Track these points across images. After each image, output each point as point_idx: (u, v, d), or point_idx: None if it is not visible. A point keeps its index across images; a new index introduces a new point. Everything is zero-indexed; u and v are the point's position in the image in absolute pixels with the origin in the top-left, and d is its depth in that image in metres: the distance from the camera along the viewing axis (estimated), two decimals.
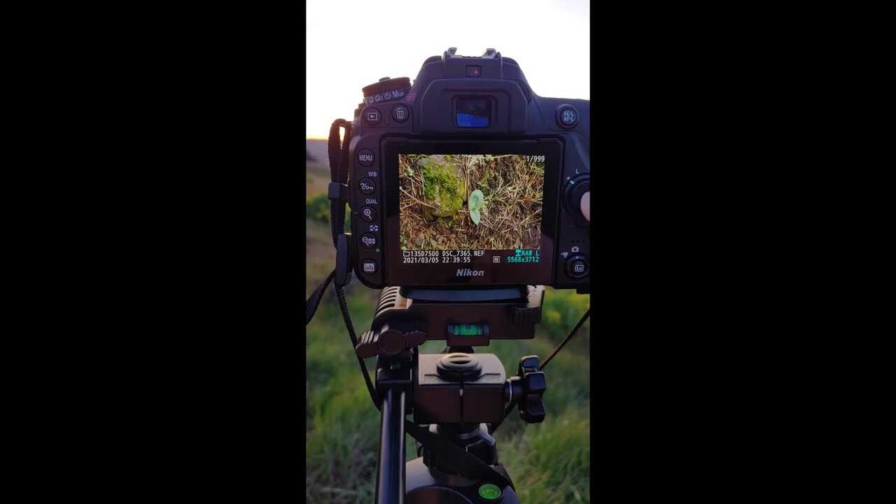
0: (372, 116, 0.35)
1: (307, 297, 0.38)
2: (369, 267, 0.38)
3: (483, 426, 0.47)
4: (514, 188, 0.37)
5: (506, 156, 0.36)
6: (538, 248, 0.38)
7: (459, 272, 0.38)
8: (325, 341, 2.40)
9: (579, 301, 3.33)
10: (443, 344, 0.48)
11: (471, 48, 0.37)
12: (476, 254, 0.38)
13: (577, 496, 1.41)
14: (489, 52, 0.36)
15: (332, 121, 0.38)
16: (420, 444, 0.48)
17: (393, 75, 0.37)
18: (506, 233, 0.38)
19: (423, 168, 0.36)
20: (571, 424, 1.70)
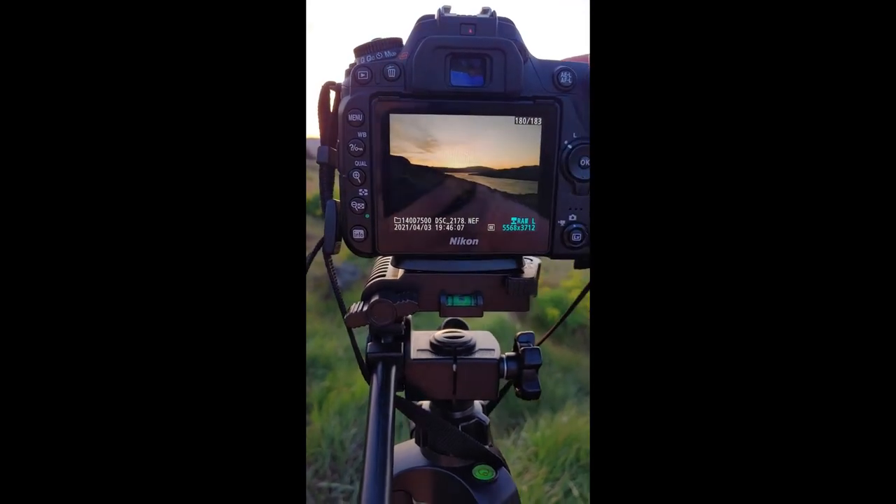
0: (362, 75, 0.34)
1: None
2: (358, 234, 0.36)
3: (478, 405, 0.46)
4: (510, 152, 0.35)
5: (501, 117, 0.35)
6: (534, 216, 0.37)
7: (453, 240, 0.37)
8: (323, 337, 2.39)
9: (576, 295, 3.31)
10: (438, 323, 0.47)
11: (466, 8, 0.36)
12: (470, 221, 0.37)
13: (576, 492, 1.40)
14: (484, 10, 0.35)
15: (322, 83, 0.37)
16: (413, 426, 0.46)
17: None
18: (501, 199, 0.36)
19: (416, 128, 0.35)
20: (570, 421, 1.69)
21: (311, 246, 0.39)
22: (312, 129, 0.39)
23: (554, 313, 3.31)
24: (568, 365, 2.39)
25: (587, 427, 1.66)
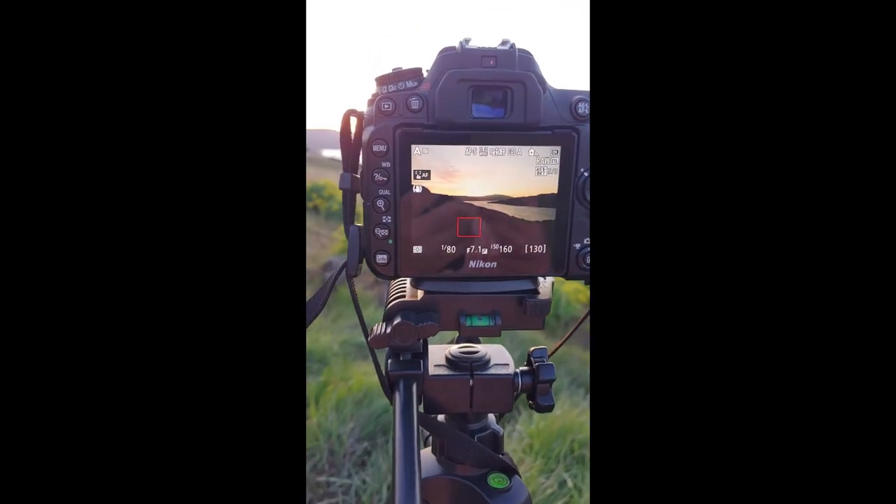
0: (386, 106, 0.35)
1: (309, 289, 0.38)
2: (382, 258, 0.38)
3: (491, 416, 0.48)
4: (529, 180, 0.37)
5: (521, 147, 0.36)
6: (551, 240, 0.38)
7: (472, 263, 0.38)
8: (318, 331, 2.39)
9: (571, 291, 3.35)
10: (448, 335, 0.48)
11: (480, 39, 0.37)
12: (489, 246, 0.38)
13: (570, 483, 1.43)
14: (504, 42, 0.36)
15: (343, 111, 0.38)
16: (427, 434, 0.48)
17: (403, 67, 0.37)
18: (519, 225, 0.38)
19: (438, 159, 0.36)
20: (564, 413, 1.72)
21: (310, 240, 0.39)
22: (311, 123, 0.40)
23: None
24: (561, 357, 2.43)
25: (581, 419, 1.69)
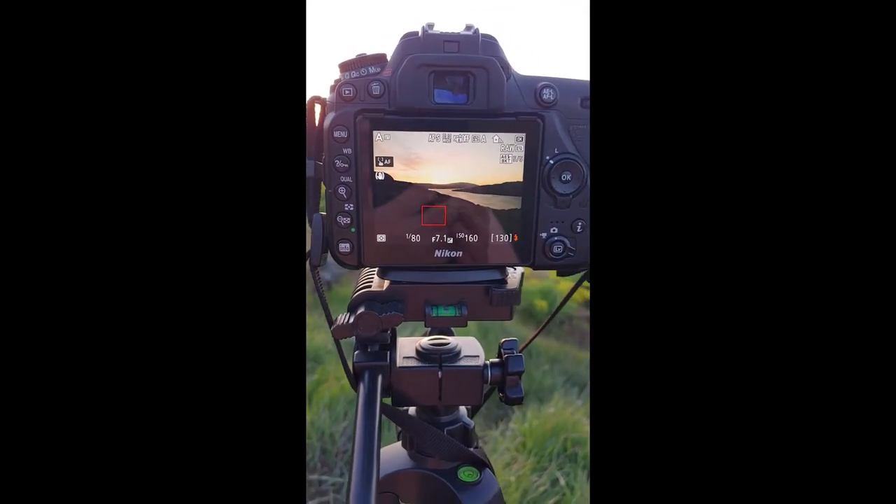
0: (347, 92, 0.35)
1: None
2: (344, 247, 0.37)
3: (462, 409, 0.47)
4: (493, 168, 0.36)
5: (485, 133, 0.36)
6: (517, 230, 0.38)
7: (437, 253, 0.38)
8: (311, 330, 2.39)
9: (567, 289, 3.34)
10: (425, 329, 0.48)
11: (451, 25, 0.37)
12: (454, 235, 0.37)
13: (563, 482, 1.42)
14: (468, 27, 0.35)
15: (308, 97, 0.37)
16: (399, 428, 0.48)
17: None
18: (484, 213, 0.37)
19: (400, 145, 0.35)
20: (557, 412, 1.71)
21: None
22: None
23: (542, 305, 3.33)
24: (555, 356, 2.42)
25: (574, 417, 1.69)
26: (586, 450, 1.55)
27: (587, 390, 2.00)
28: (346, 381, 1.83)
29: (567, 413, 1.71)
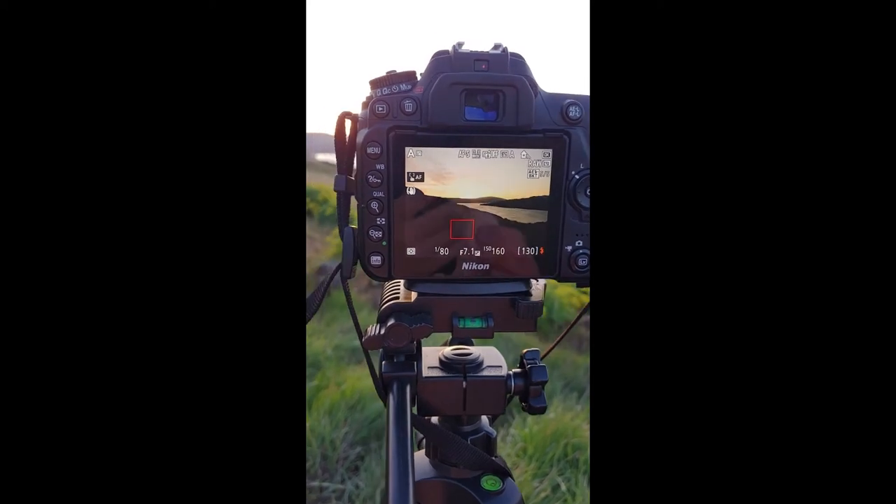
0: (380, 109, 0.35)
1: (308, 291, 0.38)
2: (376, 260, 0.38)
3: (484, 418, 0.48)
4: (521, 183, 0.37)
5: (513, 149, 0.36)
6: (543, 243, 0.38)
7: (465, 265, 0.38)
8: (311, 336, 2.39)
9: (564, 295, 3.36)
10: (442, 337, 0.48)
11: (474, 42, 0.38)
12: (482, 248, 0.38)
13: (563, 487, 1.43)
14: (496, 46, 0.36)
15: (338, 113, 0.38)
16: (421, 437, 0.48)
17: (399, 68, 0.37)
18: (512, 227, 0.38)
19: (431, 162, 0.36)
20: (557, 417, 1.72)
21: (309, 246, 0.40)
22: (311, 127, 0.40)
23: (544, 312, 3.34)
24: (555, 361, 2.43)
25: (574, 423, 1.69)
26: (587, 455, 1.55)
27: (586, 395, 2.00)
28: (346, 387, 1.83)
29: (567, 418, 1.72)
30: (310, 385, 1.92)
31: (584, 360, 2.55)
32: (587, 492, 1.41)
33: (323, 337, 2.41)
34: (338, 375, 1.98)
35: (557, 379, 2.27)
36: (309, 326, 2.59)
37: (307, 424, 1.66)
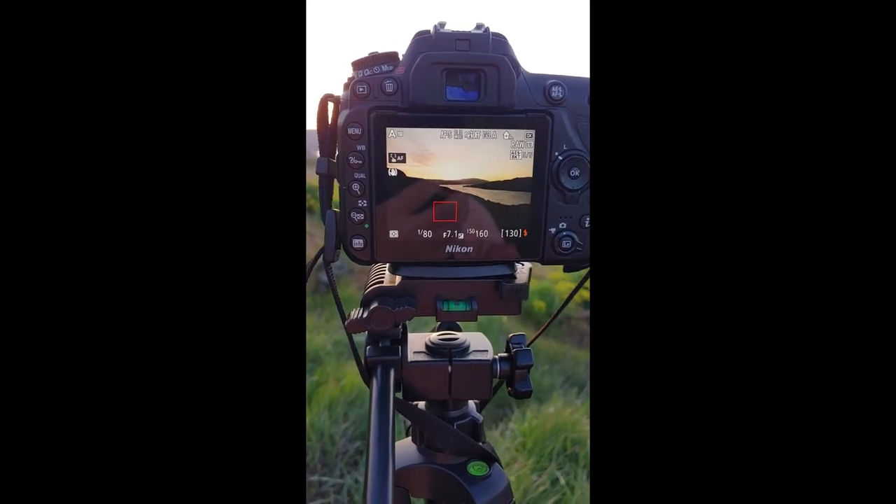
0: (361, 90, 0.35)
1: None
2: (358, 243, 0.38)
3: (471, 404, 0.48)
4: (503, 164, 0.37)
5: (496, 130, 0.36)
6: (526, 225, 0.38)
7: (448, 248, 0.38)
8: (311, 331, 2.39)
9: (565, 290, 3.36)
10: (432, 325, 0.48)
11: (461, 23, 0.37)
12: (465, 230, 0.38)
13: (562, 481, 1.43)
14: (478, 26, 0.36)
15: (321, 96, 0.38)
16: (409, 424, 0.48)
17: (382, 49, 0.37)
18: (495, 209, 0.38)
19: (413, 142, 0.36)
20: (556, 412, 1.72)
21: (309, 242, 0.40)
22: (310, 123, 0.40)
23: (541, 305, 3.35)
24: (554, 356, 2.43)
25: (573, 417, 1.69)
26: (586, 449, 1.55)
27: (586, 390, 2.00)
28: (345, 383, 1.83)
29: (566, 413, 1.71)
30: (310, 380, 1.92)
31: (584, 356, 2.55)
32: (586, 486, 1.41)
33: (323, 332, 2.42)
34: (337, 371, 1.98)
35: (557, 374, 2.27)
36: (309, 322, 2.60)
37: (307, 420, 1.66)
